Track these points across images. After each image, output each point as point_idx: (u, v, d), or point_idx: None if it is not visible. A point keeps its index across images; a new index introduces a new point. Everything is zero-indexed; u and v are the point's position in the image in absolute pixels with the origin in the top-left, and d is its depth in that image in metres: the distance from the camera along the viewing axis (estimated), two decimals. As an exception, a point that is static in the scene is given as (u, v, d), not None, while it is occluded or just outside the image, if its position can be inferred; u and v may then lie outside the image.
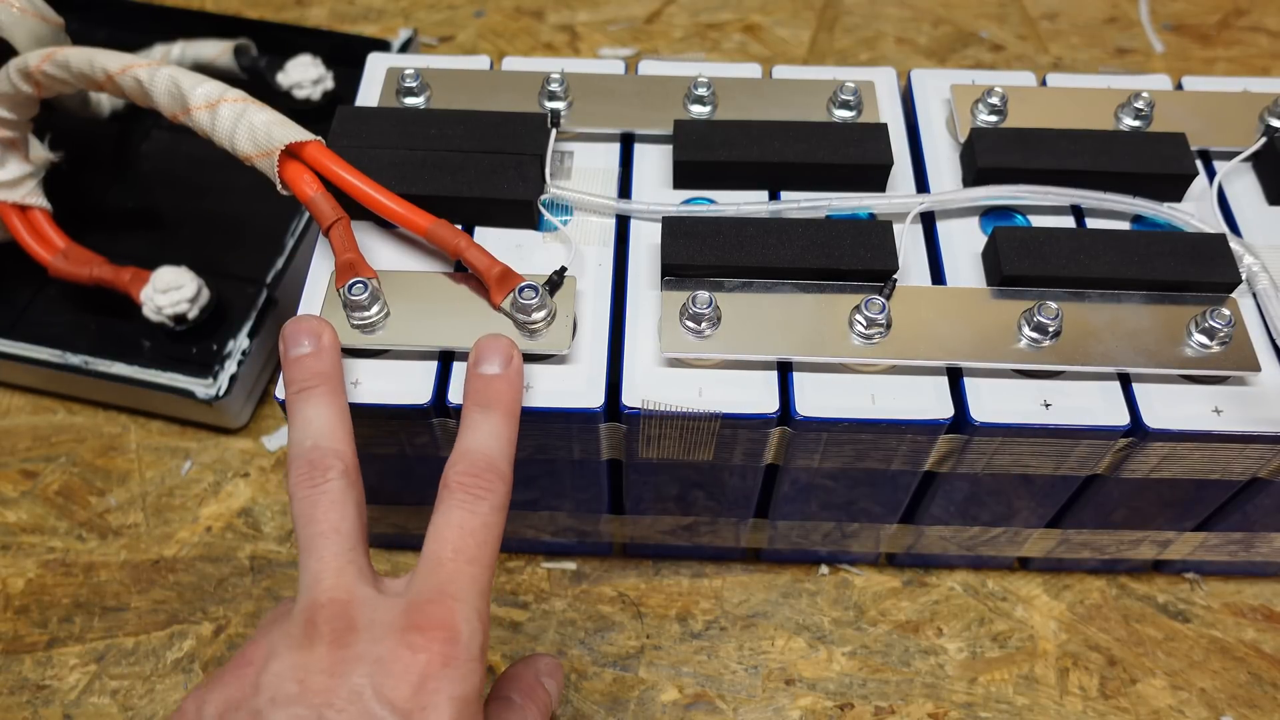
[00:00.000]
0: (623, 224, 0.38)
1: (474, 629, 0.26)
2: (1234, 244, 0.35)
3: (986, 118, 0.39)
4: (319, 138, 0.35)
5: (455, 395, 0.33)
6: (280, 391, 0.33)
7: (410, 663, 0.25)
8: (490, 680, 0.33)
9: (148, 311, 0.44)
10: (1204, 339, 0.33)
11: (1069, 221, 0.38)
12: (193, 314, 0.45)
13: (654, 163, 0.39)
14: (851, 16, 0.67)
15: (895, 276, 0.34)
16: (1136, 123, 0.39)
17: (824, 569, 0.44)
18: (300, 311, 0.35)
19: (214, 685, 0.26)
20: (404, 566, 0.44)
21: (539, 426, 0.34)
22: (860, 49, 0.65)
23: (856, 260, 0.34)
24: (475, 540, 0.28)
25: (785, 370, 0.34)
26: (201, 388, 0.45)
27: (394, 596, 0.27)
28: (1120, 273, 0.34)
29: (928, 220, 0.38)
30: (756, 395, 0.33)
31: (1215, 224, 0.37)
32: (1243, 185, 0.39)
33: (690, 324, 0.33)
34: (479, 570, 0.27)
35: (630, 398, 0.33)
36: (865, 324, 0.33)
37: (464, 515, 0.28)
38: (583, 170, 0.39)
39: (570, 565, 0.44)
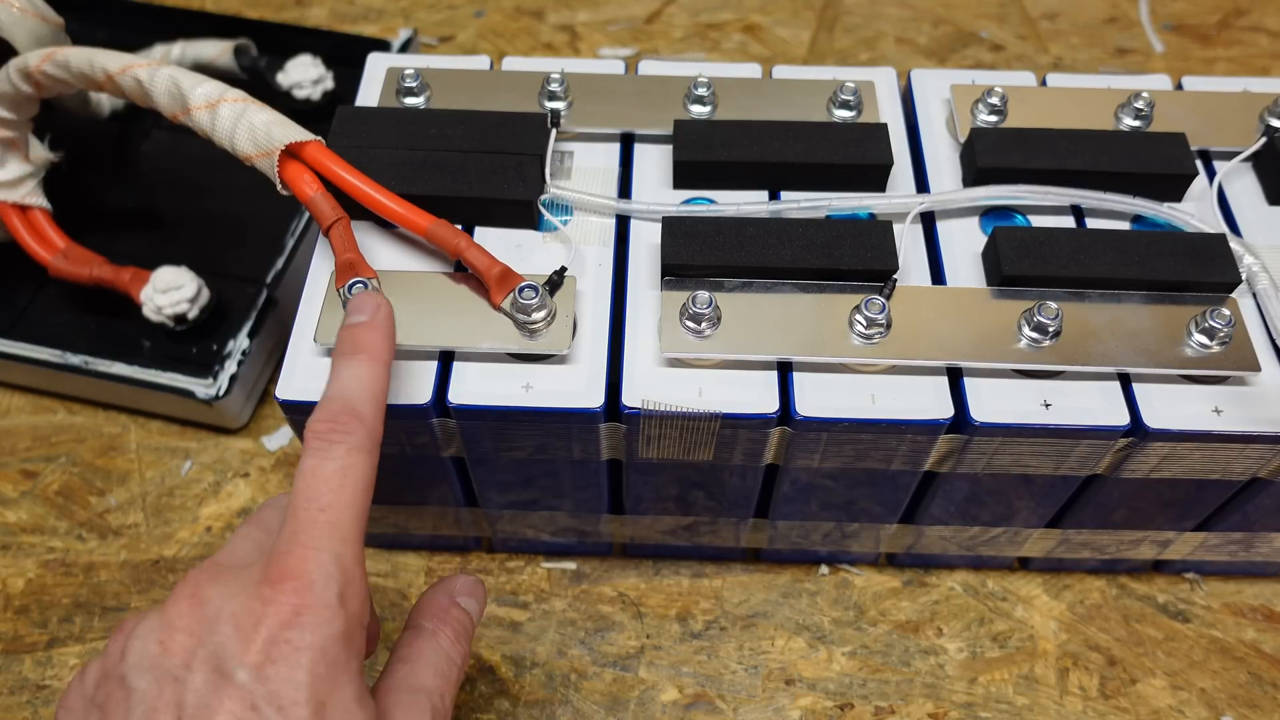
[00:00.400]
0: (623, 224, 0.38)
1: (329, 574, 0.25)
2: (1234, 244, 0.35)
3: (986, 118, 0.39)
4: (319, 138, 0.35)
5: (455, 395, 0.33)
6: (279, 392, 0.33)
7: (260, 615, 0.25)
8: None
9: (148, 311, 0.44)
10: (1204, 339, 0.33)
11: (1069, 221, 0.38)
12: (193, 314, 0.45)
13: (654, 163, 0.39)
14: (851, 16, 0.67)
15: (895, 276, 0.34)
16: (1136, 123, 0.39)
17: (824, 569, 0.44)
18: (300, 311, 0.35)
19: (98, 656, 0.27)
20: (404, 566, 0.44)
21: (539, 426, 0.34)
22: (860, 49, 0.65)
23: (856, 260, 0.34)
24: (329, 486, 0.27)
25: (785, 370, 0.34)
26: (201, 388, 0.45)
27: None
28: (1120, 273, 0.34)
29: (928, 220, 0.38)
30: (756, 395, 0.33)
31: (1215, 224, 0.37)
32: (1243, 185, 0.39)
33: (690, 324, 0.33)
34: (336, 515, 0.26)
35: (630, 398, 0.33)
36: (865, 324, 0.33)
37: (316, 462, 0.27)
38: (583, 170, 0.39)
39: (570, 565, 0.44)
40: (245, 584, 0.26)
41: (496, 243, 0.36)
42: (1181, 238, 0.35)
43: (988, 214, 0.38)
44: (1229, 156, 0.39)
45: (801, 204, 0.37)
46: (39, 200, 0.45)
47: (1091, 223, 0.38)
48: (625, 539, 0.42)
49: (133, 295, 0.45)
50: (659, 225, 0.36)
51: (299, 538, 0.26)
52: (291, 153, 0.34)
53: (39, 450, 0.47)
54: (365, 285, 0.33)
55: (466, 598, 0.32)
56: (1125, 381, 0.34)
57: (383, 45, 0.56)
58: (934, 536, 0.41)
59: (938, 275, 0.36)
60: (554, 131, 0.38)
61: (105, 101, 0.51)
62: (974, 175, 0.38)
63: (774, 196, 0.38)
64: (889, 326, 0.33)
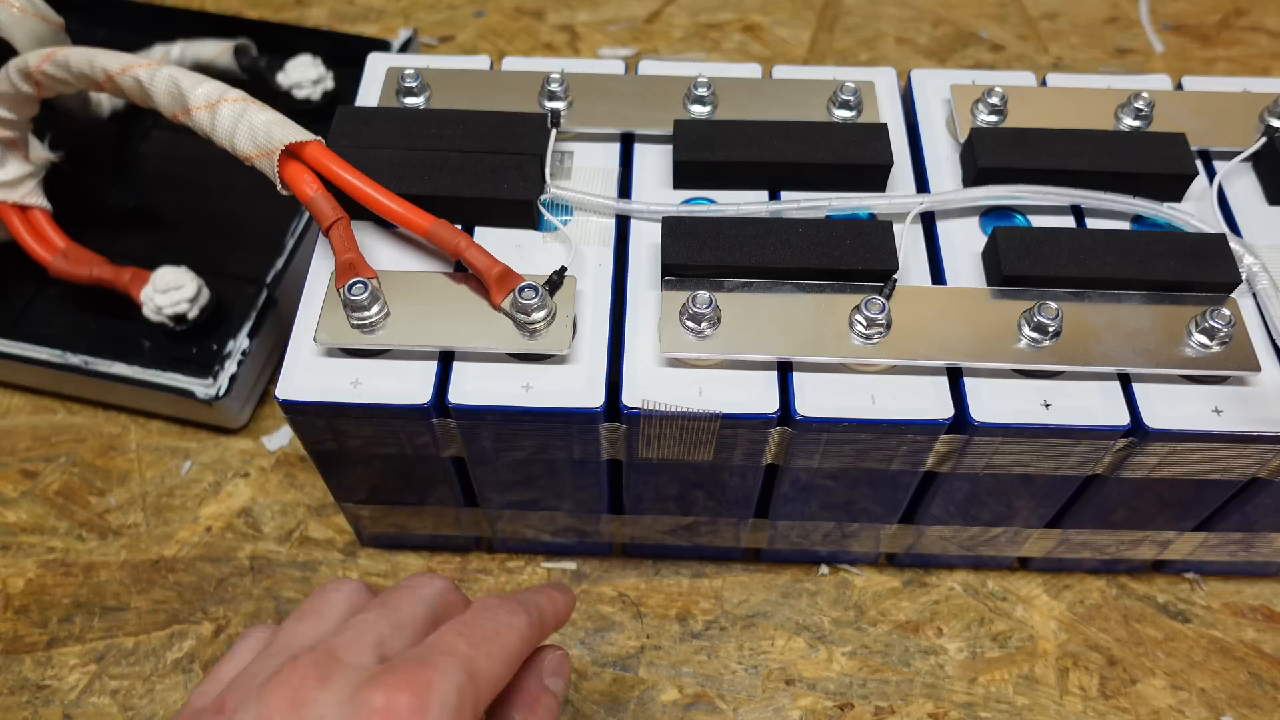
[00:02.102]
0: (623, 224, 0.38)
1: (446, 701, 0.23)
2: (1234, 244, 0.35)
3: (986, 118, 0.39)
4: (319, 138, 0.35)
5: (455, 395, 0.33)
6: (279, 392, 0.33)
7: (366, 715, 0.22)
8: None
9: (148, 311, 0.44)
10: (1204, 339, 0.33)
11: (1069, 221, 0.38)
12: (193, 314, 0.45)
13: (654, 163, 0.39)
14: (851, 16, 0.67)
15: (895, 276, 0.34)
16: (1136, 123, 0.39)
17: (824, 569, 0.44)
18: (300, 311, 0.35)
19: None
20: (404, 567, 0.44)
21: (539, 426, 0.34)
22: (860, 49, 0.65)
23: (856, 260, 0.34)
24: (480, 632, 0.25)
25: (785, 370, 0.34)
26: (201, 388, 0.45)
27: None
28: (1120, 273, 0.34)
29: (928, 220, 0.38)
30: (756, 395, 0.33)
31: (1215, 224, 0.37)
32: (1243, 185, 0.39)
33: (690, 324, 0.33)
34: (475, 654, 0.24)
35: (630, 398, 0.33)
36: (865, 324, 0.33)
37: (476, 616, 0.26)
38: (583, 170, 0.39)
39: (570, 565, 0.44)
40: (359, 683, 0.23)
41: (496, 243, 0.36)
42: (1181, 238, 0.35)
43: (988, 214, 0.38)
44: (1229, 156, 0.39)
45: (801, 204, 0.37)
46: (39, 200, 0.45)
47: (1091, 223, 0.38)
48: (625, 539, 0.42)
49: (133, 295, 0.45)
50: (659, 225, 0.36)
51: (432, 656, 0.24)
52: (291, 153, 0.34)
53: (39, 450, 0.47)
54: (365, 285, 0.33)
55: (554, 677, 0.30)
56: (1125, 381, 0.34)
57: (383, 45, 0.56)
58: (934, 536, 0.41)
59: (938, 275, 0.36)
60: (554, 131, 0.38)
61: (105, 101, 0.51)
62: (974, 175, 0.38)
63: (774, 196, 0.38)
64: (889, 326, 0.33)
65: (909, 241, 0.37)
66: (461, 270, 0.35)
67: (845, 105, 0.39)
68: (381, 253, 0.36)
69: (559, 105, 0.39)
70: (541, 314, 0.33)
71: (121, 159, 0.53)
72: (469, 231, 0.37)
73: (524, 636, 0.27)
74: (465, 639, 0.25)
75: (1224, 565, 0.43)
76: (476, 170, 0.36)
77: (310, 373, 0.33)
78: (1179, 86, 0.42)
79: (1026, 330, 0.33)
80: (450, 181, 0.36)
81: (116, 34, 0.57)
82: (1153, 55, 0.64)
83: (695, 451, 0.35)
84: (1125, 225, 0.38)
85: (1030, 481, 0.36)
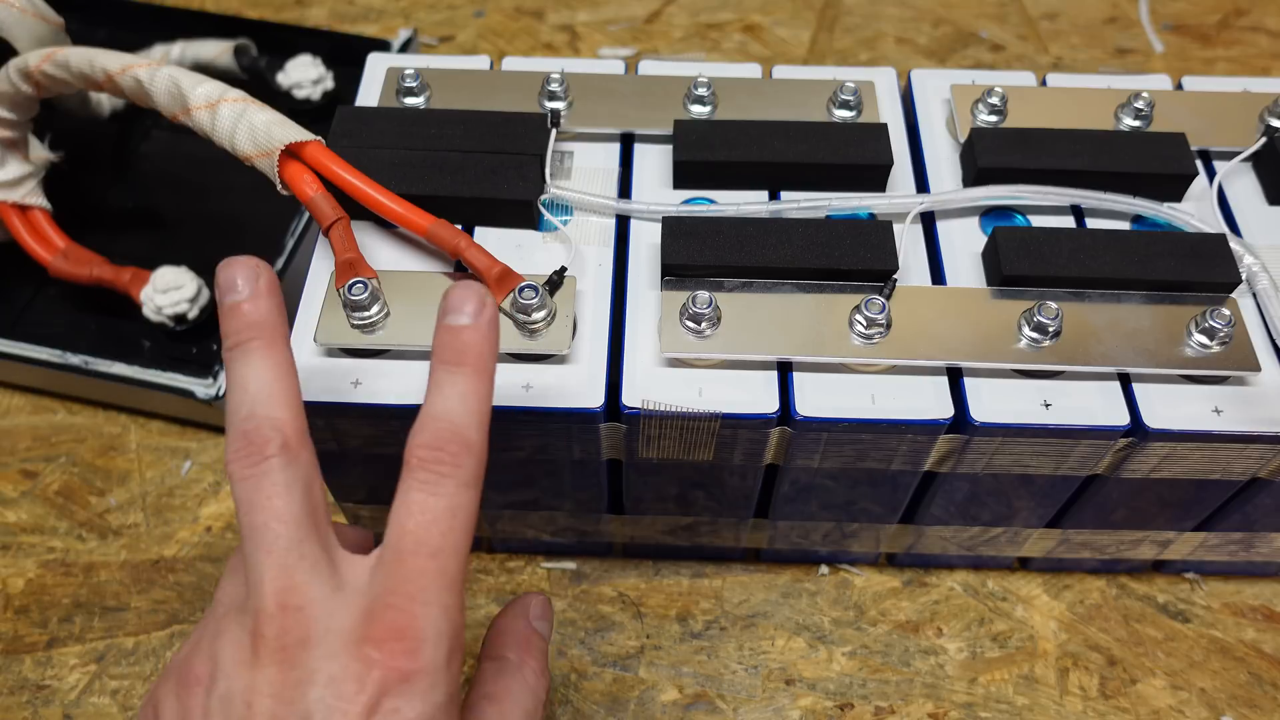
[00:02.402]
0: (623, 224, 0.38)
1: (439, 632, 0.24)
2: (1234, 244, 0.35)
3: (986, 118, 0.39)
4: (319, 138, 0.35)
5: (455, 395, 0.33)
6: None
7: (364, 680, 0.23)
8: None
9: (148, 311, 0.44)
10: (1204, 339, 0.33)
11: (1069, 221, 0.38)
12: (193, 314, 0.45)
13: (654, 163, 0.39)
14: (851, 16, 0.67)
15: (895, 276, 0.34)
16: (1136, 123, 0.39)
17: (824, 569, 0.44)
18: (300, 311, 0.35)
19: (164, 702, 0.25)
20: (404, 566, 0.43)
21: (539, 426, 0.34)
22: (860, 49, 0.65)
23: (856, 260, 0.34)
24: (439, 528, 0.24)
25: (785, 370, 0.34)
26: (201, 388, 0.45)
27: (352, 594, 0.24)
28: (1120, 273, 0.34)
29: (928, 220, 0.38)
30: (756, 395, 0.33)
31: (1215, 224, 0.37)
32: (1243, 185, 0.39)
33: (690, 324, 0.33)
34: (445, 562, 0.24)
35: (630, 398, 0.33)
36: (865, 324, 0.33)
37: (425, 498, 0.24)
38: (583, 170, 0.39)
39: (570, 565, 0.44)
40: (343, 642, 0.23)
41: (496, 243, 0.36)
42: (1181, 238, 0.35)
43: (988, 214, 0.38)
44: (1229, 156, 0.39)
45: (801, 204, 0.37)
46: (39, 200, 0.45)
47: (1091, 223, 0.38)
48: (625, 539, 0.42)
49: (133, 295, 0.45)
50: (659, 225, 0.36)
51: (407, 588, 0.24)
52: (291, 153, 0.34)
53: (39, 450, 0.47)
54: (365, 285, 0.33)
55: (540, 620, 0.30)
56: (1125, 381, 0.34)
57: (383, 45, 0.56)
58: (934, 536, 0.41)
59: (938, 275, 0.36)
60: (554, 131, 0.38)
61: (105, 101, 0.51)
62: (974, 175, 0.38)
63: (774, 196, 0.38)
64: (889, 326, 0.33)
65: (909, 241, 0.37)
66: (461, 270, 0.35)
67: (845, 105, 0.39)
68: (381, 253, 0.36)
69: (559, 105, 0.39)
70: (541, 314, 0.33)
71: (121, 159, 0.53)
72: (469, 231, 0.37)
73: (473, 480, 0.26)
74: (425, 549, 0.24)
75: (1224, 565, 0.43)
76: (476, 170, 0.36)
77: (310, 373, 0.33)
78: (1179, 86, 0.42)
79: (1026, 330, 0.33)
80: (450, 181, 0.36)
81: (116, 34, 0.57)
82: (1153, 55, 0.64)
83: (695, 451, 0.35)
84: (1125, 225, 0.38)
85: (1030, 481, 0.36)
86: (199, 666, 0.24)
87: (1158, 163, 0.37)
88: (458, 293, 0.27)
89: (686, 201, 0.38)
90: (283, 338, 0.27)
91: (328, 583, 0.24)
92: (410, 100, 0.40)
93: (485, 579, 0.43)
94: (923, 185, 0.39)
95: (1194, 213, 0.37)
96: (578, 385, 0.33)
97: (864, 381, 0.33)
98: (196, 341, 0.46)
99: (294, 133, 0.34)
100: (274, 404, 0.26)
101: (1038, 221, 0.38)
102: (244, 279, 0.27)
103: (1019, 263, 0.34)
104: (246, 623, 0.24)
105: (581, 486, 0.38)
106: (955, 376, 0.34)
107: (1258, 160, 0.39)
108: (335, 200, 0.34)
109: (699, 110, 0.39)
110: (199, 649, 0.25)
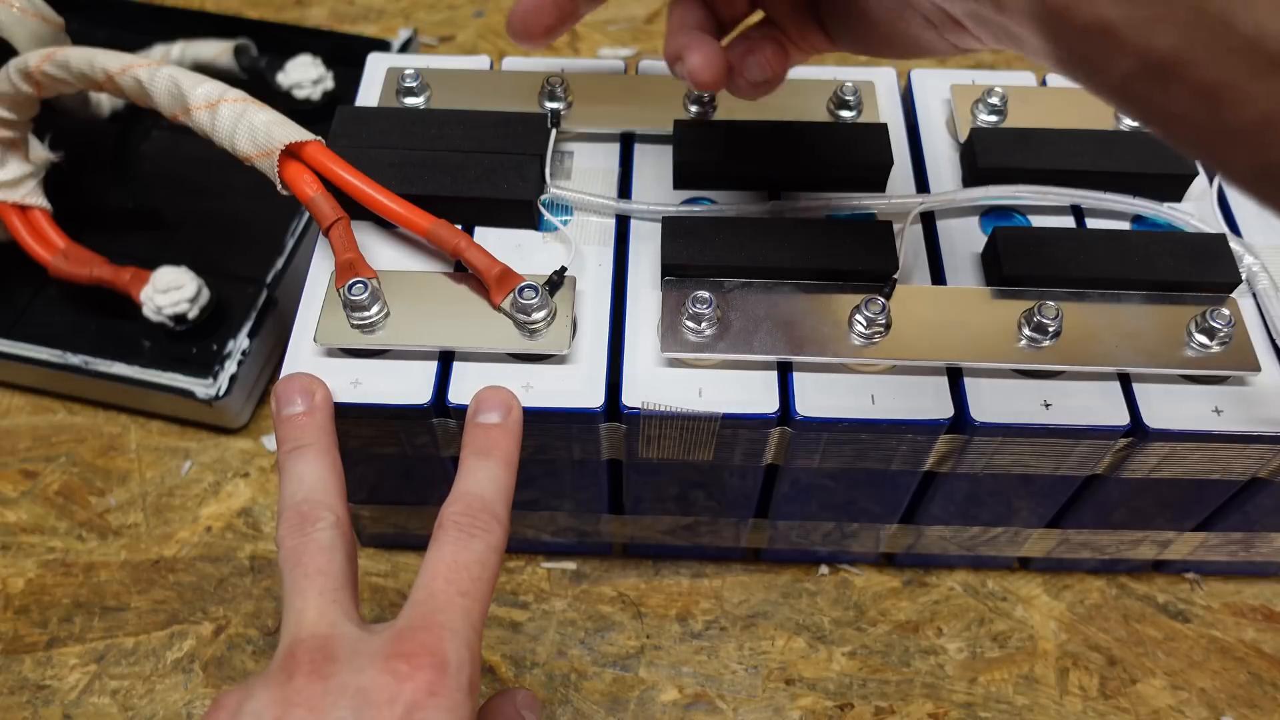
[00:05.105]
0: (623, 224, 0.38)
1: (462, 660, 0.25)
2: (1234, 244, 0.35)
3: (986, 118, 0.39)
4: (319, 138, 0.35)
5: (455, 395, 0.33)
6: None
7: (395, 691, 0.24)
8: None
9: (148, 311, 0.44)
10: (1204, 339, 0.33)
11: (1069, 221, 0.38)
12: (193, 314, 0.45)
13: (654, 163, 0.39)
14: (851, 16, 0.66)
15: (895, 276, 0.34)
16: (1136, 123, 0.39)
17: (824, 569, 0.44)
18: (300, 311, 0.35)
19: None
20: (404, 567, 0.44)
21: (539, 426, 0.34)
22: (860, 49, 0.64)
23: (856, 260, 0.34)
24: (469, 574, 0.27)
25: (785, 370, 0.34)
26: (201, 388, 0.45)
27: (380, 630, 0.26)
28: (1120, 273, 0.34)
29: (928, 220, 0.38)
30: (756, 395, 0.33)
31: (1215, 224, 0.37)
32: (1243, 185, 0.39)
33: (690, 324, 0.33)
34: (472, 603, 0.26)
35: (630, 398, 0.33)
36: (865, 324, 0.33)
37: (458, 550, 0.27)
38: (583, 170, 0.39)
39: (570, 565, 0.44)
40: (371, 658, 0.25)
41: (496, 243, 0.36)
42: (1181, 238, 0.35)
43: (988, 214, 0.38)
44: (1229, 156, 0.39)
45: (801, 204, 0.37)
46: (39, 200, 0.45)
47: (1091, 223, 0.38)
48: (625, 539, 0.42)
49: (133, 295, 0.45)
50: (659, 225, 0.36)
51: (437, 616, 0.26)
52: (291, 153, 0.34)
53: (39, 450, 0.47)
54: (365, 285, 0.33)
55: (528, 711, 0.31)
56: (1125, 381, 0.34)
57: (383, 45, 0.56)
58: (934, 536, 0.41)
59: (938, 275, 0.36)
60: (554, 131, 0.38)
61: (105, 101, 0.51)
62: (974, 175, 0.38)
63: (774, 197, 0.38)
64: (889, 326, 0.33)
65: (909, 241, 0.37)
66: (461, 270, 0.35)
67: (845, 105, 0.39)
68: (381, 253, 0.36)
69: (559, 105, 0.39)
70: (541, 314, 0.33)
71: (121, 159, 0.53)
72: (469, 231, 0.37)
73: (499, 547, 0.28)
74: (455, 588, 0.27)
75: (1224, 565, 0.43)
76: (476, 170, 0.36)
77: (310, 372, 0.33)
78: (1179, 86, 0.42)
79: (1026, 330, 0.33)
80: (450, 181, 0.36)
81: (116, 34, 0.57)
82: (1153, 55, 0.64)
83: (695, 451, 0.35)
84: (1125, 225, 0.38)
85: (1030, 481, 0.36)
86: (227, 699, 0.25)
87: (1158, 163, 0.37)
88: (488, 394, 0.32)
89: (686, 201, 0.38)
90: (333, 445, 0.30)
91: (356, 625, 0.26)
92: (410, 100, 0.40)
93: (485, 579, 0.43)
94: (923, 185, 0.39)
95: (1194, 213, 0.37)
96: (578, 385, 0.33)
97: (864, 381, 0.33)
98: (196, 341, 0.46)
99: (294, 133, 0.34)
100: (326, 494, 0.29)
101: (1038, 221, 0.38)
102: (301, 395, 0.31)
103: (1019, 263, 0.34)
104: (278, 655, 0.25)
105: (581, 486, 0.38)
106: (955, 376, 0.34)
107: (1258, 160, 0.39)
108: (335, 200, 0.34)
109: (699, 110, 0.39)
110: (228, 692, 0.26)
